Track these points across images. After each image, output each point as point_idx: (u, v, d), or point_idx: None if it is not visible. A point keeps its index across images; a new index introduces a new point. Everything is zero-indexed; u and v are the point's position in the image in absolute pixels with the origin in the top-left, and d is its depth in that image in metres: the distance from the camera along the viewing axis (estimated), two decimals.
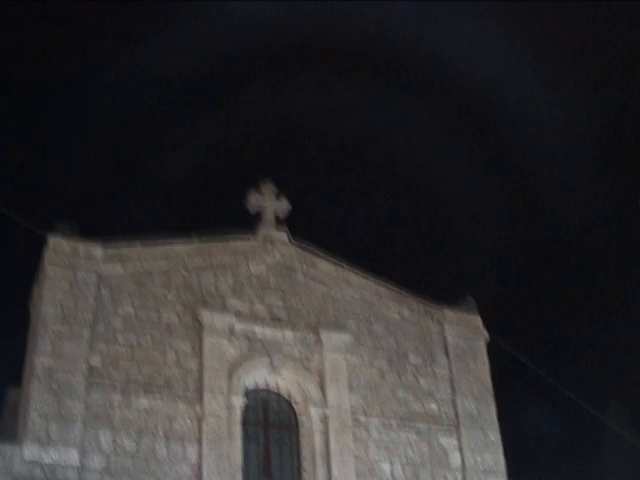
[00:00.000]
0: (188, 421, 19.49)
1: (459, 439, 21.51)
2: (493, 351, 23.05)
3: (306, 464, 20.25)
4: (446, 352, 22.63)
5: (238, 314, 21.05)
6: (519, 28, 38.17)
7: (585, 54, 38.84)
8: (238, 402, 20.03)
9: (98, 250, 20.54)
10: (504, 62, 38.05)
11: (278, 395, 20.96)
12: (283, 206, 23.26)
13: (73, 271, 20.09)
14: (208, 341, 20.43)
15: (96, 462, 18.42)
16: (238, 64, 40.69)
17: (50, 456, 18.01)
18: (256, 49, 39.93)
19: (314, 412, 20.55)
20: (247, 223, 22.87)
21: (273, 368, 20.77)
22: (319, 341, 21.34)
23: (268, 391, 20.92)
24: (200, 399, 19.69)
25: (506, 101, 39.21)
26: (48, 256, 20.09)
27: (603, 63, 38.96)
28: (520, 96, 38.97)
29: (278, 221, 23.04)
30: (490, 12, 37.21)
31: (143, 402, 19.32)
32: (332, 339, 21.44)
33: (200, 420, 19.51)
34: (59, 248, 20.23)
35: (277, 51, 40.33)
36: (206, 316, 20.63)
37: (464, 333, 22.97)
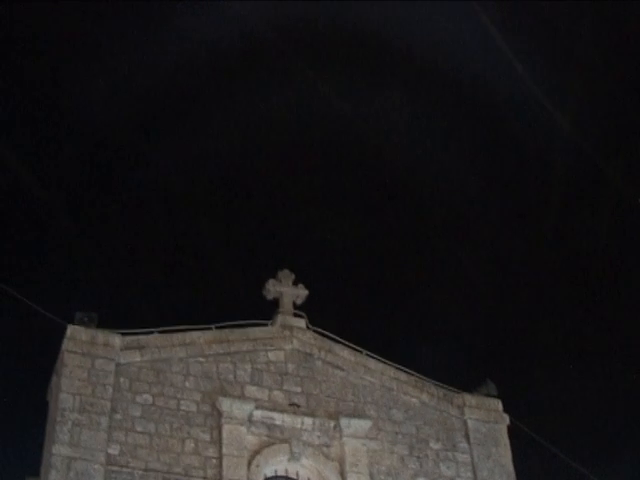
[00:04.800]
0: None
1: None
2: (514, 434, 22.82)
3: None
4: (467, 437, 22.40)
5: (257, 402, 20.95)
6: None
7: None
8: None
9: (116, 338, 20.59)
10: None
11: None
12: (301, 292, 23.34)
13: (91, 359, 20.11)
14: (227, 429, 20.30)
15: None
16: None
17: None
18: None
19: None
20: (265, 310, 22.97)
21: (292, 456, 20.58)
22: (338, 428, 21.17)
23: (288, 479, 20.71)
24: None
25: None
26: (66, 344, 20.15)
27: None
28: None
29: (295, 307, 23.12)
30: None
31: None
32: (351, 426, 21.26)
33: None
34: (77, 336, 20.30)
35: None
36: (225, 404, 20.53)
37: (485, 418, 22.76)
